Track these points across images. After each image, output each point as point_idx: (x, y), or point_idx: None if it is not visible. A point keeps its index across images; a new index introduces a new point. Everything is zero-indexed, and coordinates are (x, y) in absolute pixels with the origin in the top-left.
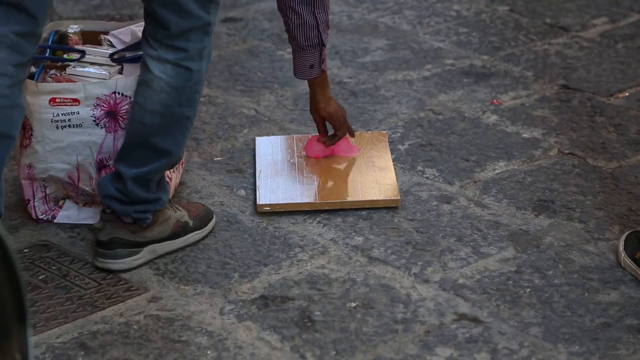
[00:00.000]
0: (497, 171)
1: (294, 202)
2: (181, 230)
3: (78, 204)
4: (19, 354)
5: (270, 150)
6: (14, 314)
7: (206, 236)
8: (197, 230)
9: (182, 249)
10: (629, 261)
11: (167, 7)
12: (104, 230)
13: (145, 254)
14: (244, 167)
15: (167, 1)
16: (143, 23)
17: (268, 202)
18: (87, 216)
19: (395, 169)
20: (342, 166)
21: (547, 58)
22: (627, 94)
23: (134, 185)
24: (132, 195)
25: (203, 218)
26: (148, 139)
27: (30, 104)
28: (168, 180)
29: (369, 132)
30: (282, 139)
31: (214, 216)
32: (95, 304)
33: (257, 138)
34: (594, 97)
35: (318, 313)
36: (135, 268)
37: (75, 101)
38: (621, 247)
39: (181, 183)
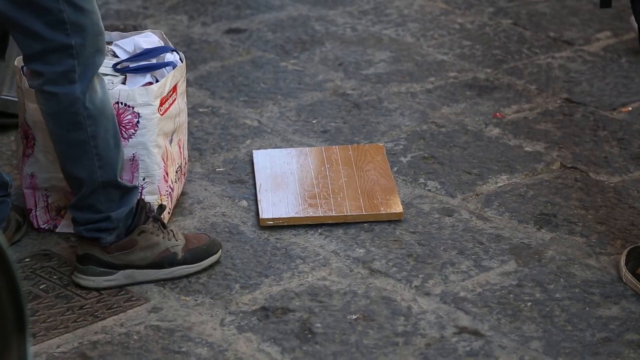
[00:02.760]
0: (499, 184)
1: (297, 216)
2: (165, 261)
3: None
4: None
5: (268, 163)
6: (14, 324)
7: (199, 272)
8: (187, 264)
9: None
10: (629, 276)
11: (16, 29)
12: (80, 244)
13: (120, 277)
14: (246, 178)
15: (14, 25)
16: (147, 33)
17: (271, 217)
18: None
19: (397, 181)
20: (343, 180)
21: (550, 72)
22: (630, 109)
23: (76, 212)
24: (79, 219)
25: (199, 253)
26: (64, 170)
27: (33, 114)
28: (170, 190)
29: (366, 144)
30: (280, 152)
31: (219, 252)
32: (96, 314)
33: (254, 151)
34: (597, 111)
35: (319, 325)
36: (105, 288)
37: None
38: (622, 262)
39: (183, 193)
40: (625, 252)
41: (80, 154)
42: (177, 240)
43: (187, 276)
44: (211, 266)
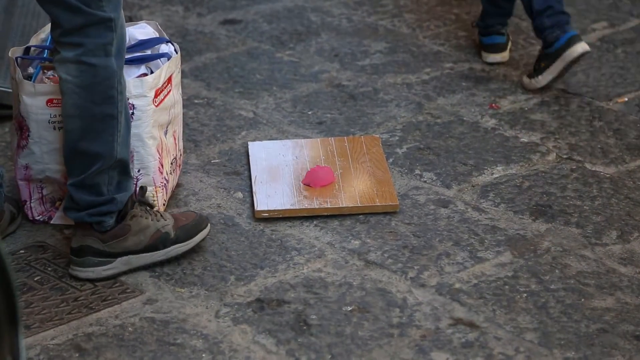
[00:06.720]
0: (495, 175)
1: (292, 208)
2: (160, 242)
3: None
4: (10, 357)
5: (264, 155)
6: (6, 317)
7: (192, 248)
8: (180, 242)
9: None
10: (540, 77)
11: (55, 5)
12: (75, 237)
13: (119, 264)
14: (241, 170)
15: (54, 1)
16: (142, 24)
17: (266, 208)
18: None
19: (393, 172)
20: (338, 171)
21: None
22: (626, 99)
23: (78, 192)
24: (81, 201)
25: (190, 230)
26: (77, 146)
27: (27, 105)
28: (165, 181)
29: (362, 136)
30: (275, 144)
31: (208, 226)
32: (91, 306)
33: (249, 143)
34: (593, 101)
35: (314, 317)
36: (105, 279)
37: None
38: (526, 77)
39: (178, 185)
40: (524, 77)
41: (104, 128)
42: (166, 220)
43: (182, 256)
44: (206, 258)
